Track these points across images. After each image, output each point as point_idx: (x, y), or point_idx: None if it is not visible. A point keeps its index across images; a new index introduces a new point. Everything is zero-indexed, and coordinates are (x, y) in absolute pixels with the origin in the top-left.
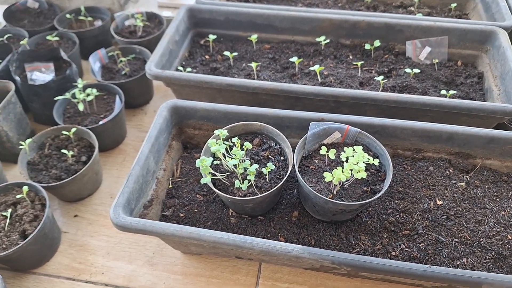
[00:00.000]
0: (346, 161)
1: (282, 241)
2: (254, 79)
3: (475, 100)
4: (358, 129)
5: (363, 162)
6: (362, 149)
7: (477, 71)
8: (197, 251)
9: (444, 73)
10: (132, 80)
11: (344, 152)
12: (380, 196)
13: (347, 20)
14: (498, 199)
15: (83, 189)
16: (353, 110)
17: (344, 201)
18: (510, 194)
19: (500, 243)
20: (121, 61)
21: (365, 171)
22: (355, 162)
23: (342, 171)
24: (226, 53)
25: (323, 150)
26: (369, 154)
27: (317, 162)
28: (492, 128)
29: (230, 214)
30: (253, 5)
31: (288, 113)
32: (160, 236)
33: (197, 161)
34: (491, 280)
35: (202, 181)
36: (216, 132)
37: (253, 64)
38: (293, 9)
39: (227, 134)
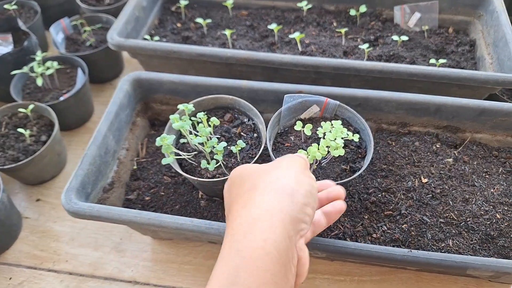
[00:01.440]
0: (323, 138)
1: None
2: (229, 48)
3: (466, 69)
4: (338, 102)
5: (342, 138)
6: (342, 124)
7: (469, 38)
8: (166, 236)
9: (434, 41)
10: (97, 51)
11: (322, 127)
12: (360, 174)
13: None
14: (487, 176)
15: (44, 171)
16: (336, 81)
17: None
18: (500, 170)
19: (488, 222)
20: (85, 31)
21: (343, 147)
22: (333, 138)
23: (318, 149)
24: (199, 20)
25: (298, 126)
26: (349, 130)
27: (292, 139)
28: (483, 100)
29: (200, 196)
30: None
31: (263, 85)
32: (118, 223)
33: (157, 139)
34: (475, 264)
35: (164, 161)
36: (180, 106)
37: (227, 32)
38: None
39: (194, 109)
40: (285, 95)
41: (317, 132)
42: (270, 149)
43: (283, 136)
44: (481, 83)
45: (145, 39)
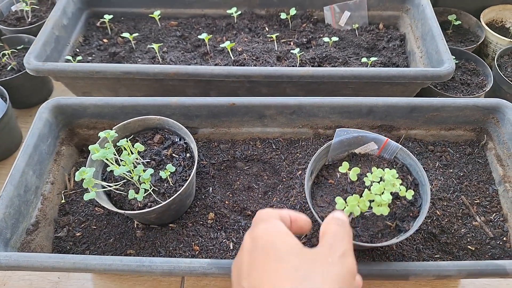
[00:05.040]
0: (369, 189)
1: (197, 250)
2: (159, 62)
3: (398, 64)
4: (400, 146)
5: (391, 192)
6: (399, 171)
7: (399, 33)
8: None
9: (365, 38)
10: (19, 76)
11: (372, 173)
12: (401, 240)
13: None
14: (425, 172)
15: None
16: (271, 88)
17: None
18: (437, 165)
19: (429, 220)
20: (3, 54)
21: (394, 199)
22: (379, 192)
23: (358, 202)
24: (126, 34)
25: (344, 168)
26: (405, 179)
27: (339, 175)
28: (417, 94)
29: (135, 226)
30: None
31: (194, 101)
32: (41, 270)
33: (77, 173)
34: (417, 270)
35: (85, 197)
36: (102, 134)
37: (155, 46)
38: None
39: (117, 135)
40: (337, 129)
41: (366, 177)
42: (307, 185)
43: (330, 169)
44: (410, 79)
45: (67, 60)
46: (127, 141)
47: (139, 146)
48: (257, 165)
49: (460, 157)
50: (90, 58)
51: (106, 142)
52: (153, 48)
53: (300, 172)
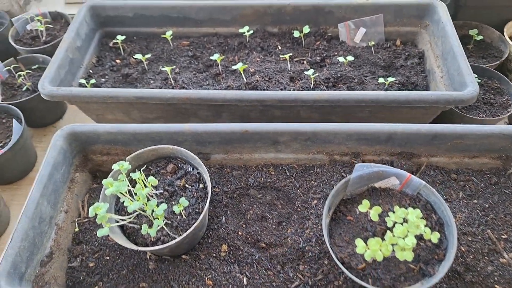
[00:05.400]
0: (391, 230)
1: (210, 285)
2: (171, 85)
3: (417, 84)
4: (423, 182)
5: (415, 235)
6: (424, 210)
7: (418, 50)
8: None
9: (382, 56)
10: (34, 97)
11: (394, 212)
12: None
13: (270, 5)
14: (447, 203)
15: None
16: (284, 111)
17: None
18: (460, 195)
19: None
20: (19, 75)
21: (419, 240)
22: (402, 235)
23: (380, 246)
24: (138, 56)
25: (364, 207)
26: (430, 219)
27: (358, 212)
28: (437, 116)
29: (148, 257)
30: None
31: (206, 128)
32: None
33: (91, 209)
34: None
35: (99, 233)
36: (115, 166)
37: (167, 69)
38: None
39: (130, 167)
40: (356, 165)
41: (387, 217)
42: (325, 223)
43: (348, 204)
44: (431, 103)
45: (81, 84)
46: (140, 173)
47: (153, 180)
48: (270, 193)
49: (485, 187)
50: (103, 80)
51: (120, 173)
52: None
53: (315, 201)
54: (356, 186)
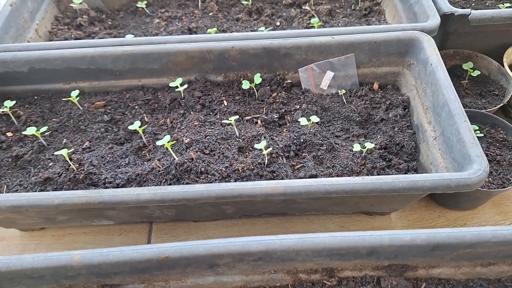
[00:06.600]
0: None
1: None
2: (73, 171)
3: (403, 145)
4: None
5: None
6: None
7: (401, 96)
8: None
9: (356, 107)
10: None
11: None
12: None
13: (210, 49)
14: None
15: None
16: (238, 207)
17: None
18: None
19: None
20: None
21: None
22: None
23: None
24: (30, 130)
25: None
26: None
27: None
28: None
29: None
30: (69, 42)
31: (108, 256)
32: None
33: None
34: None
35: None
36: None
37: (64, 153)
38: (128, 42)
39: None
40: None
41: None
42: None
43: None
44: (425, 190)
45: None
46: None
47: None
48: None
49: None
50: None
51: None
52: (73, 141)
53: None
54: None
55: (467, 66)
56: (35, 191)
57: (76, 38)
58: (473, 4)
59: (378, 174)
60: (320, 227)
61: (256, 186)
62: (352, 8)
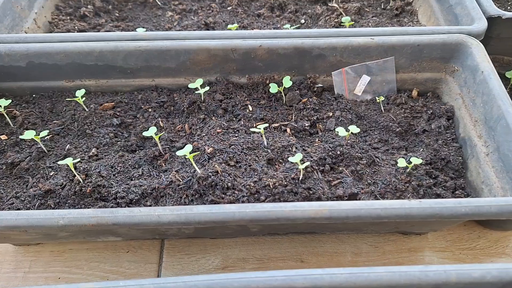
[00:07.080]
0: None
1: None
2: (79, 183)
3: (449, 161)
4: None
5: None
6: None
7: (444, 106)
8: None
9: (395, 116)
10: None
11: None
12: None
13: (235, 47)
14: None
15: None
16: (263, 227)
17: None
18: None
19: None
20: None
21: None
22: None
23: None
24: (29, 133)
25: None
26: None
27: None
28: None
29: None
30: (73, 35)
31: None
32: None
33: None
34: None
35: None
36: None
37: (69, 162)
38: (141, 36)
39: None
40: None
41: None
42: None
43: None
44: (487, 216)
45: None
46: None
47: None
48: None
49: None
50: None
51: None
52: (76, 147)
53: None
54: None
55: (510, 74)
56: (34, 205)
57: (79, 30)
58: (508, 8)
59: (424, 193)
60: (351, 247)
61: (297, 208)
62: (382, 7)
